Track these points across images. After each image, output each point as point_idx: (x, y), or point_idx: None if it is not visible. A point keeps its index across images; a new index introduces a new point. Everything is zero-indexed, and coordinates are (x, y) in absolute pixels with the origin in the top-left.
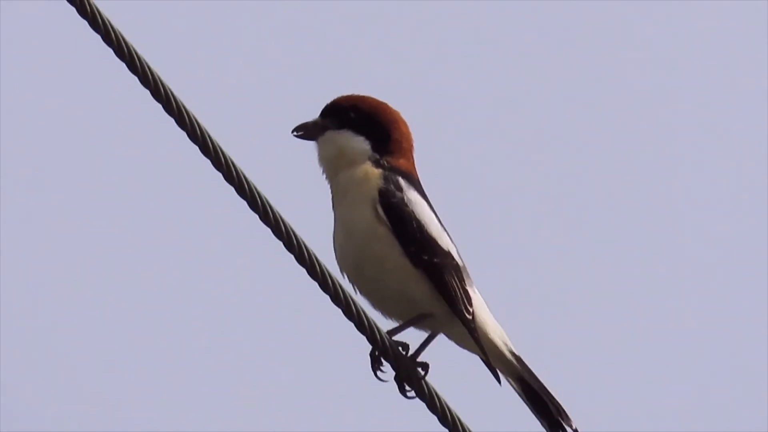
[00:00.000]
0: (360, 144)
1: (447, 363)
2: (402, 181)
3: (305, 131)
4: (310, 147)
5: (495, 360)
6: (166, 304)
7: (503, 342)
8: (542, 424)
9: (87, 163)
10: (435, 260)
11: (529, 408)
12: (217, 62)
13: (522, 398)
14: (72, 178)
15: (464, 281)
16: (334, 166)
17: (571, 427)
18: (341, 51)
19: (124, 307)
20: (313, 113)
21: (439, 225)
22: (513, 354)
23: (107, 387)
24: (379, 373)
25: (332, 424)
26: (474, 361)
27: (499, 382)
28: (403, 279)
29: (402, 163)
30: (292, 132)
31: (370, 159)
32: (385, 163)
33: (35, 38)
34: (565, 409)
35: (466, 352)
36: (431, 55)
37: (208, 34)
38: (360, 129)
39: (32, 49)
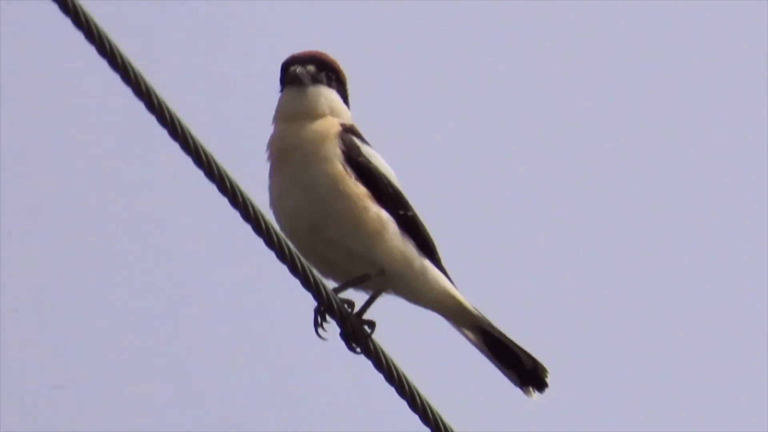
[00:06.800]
0: (341, 102)
1: (395, 325)
2: (355, 138)
3: (310, 76)
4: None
5: (458, 313)
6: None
7: (463, 297)
8: (509, 377)
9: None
10: (409, 213)
11: (494, 363)
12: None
13: (485, 353)
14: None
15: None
16: (304, 118)
17: (546, 377)
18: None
19: (119, 305)
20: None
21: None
22: (474, 308)
23: (106, 387)
24: (320, 330)
25: (278, 385)
26: (420, 323)
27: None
28: (371, 235)
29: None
30: (296, 69)
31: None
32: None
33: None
34: (540, 361)
35: (412, 314)
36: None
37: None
38: (336, 87)
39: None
